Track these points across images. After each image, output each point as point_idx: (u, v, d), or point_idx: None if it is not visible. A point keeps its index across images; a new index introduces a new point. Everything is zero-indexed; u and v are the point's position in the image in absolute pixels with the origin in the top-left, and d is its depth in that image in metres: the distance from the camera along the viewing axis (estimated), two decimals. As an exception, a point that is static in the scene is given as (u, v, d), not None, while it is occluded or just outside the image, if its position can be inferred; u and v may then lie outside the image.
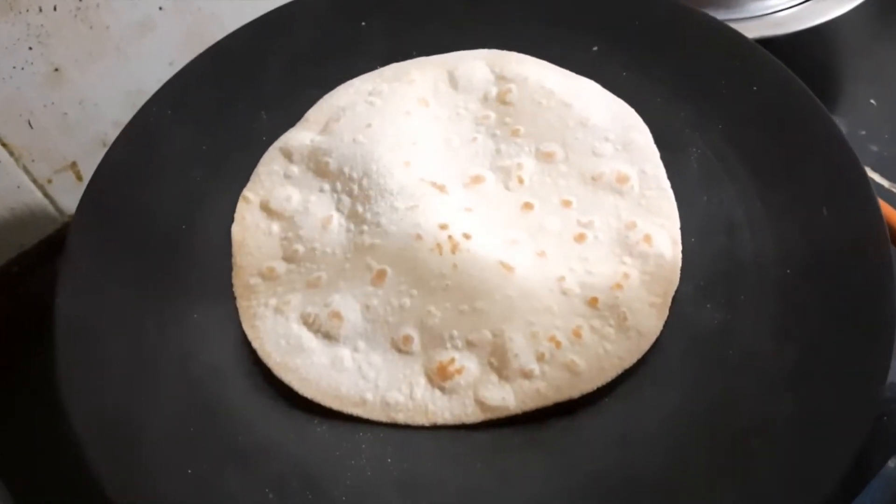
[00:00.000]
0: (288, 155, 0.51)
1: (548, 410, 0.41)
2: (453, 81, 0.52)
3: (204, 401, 0.42)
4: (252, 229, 0.48)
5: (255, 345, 0.44)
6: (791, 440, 0.39)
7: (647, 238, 0.45)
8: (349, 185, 0.48)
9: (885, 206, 0.46)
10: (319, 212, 0.48)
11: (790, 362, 0.41)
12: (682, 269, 0.45)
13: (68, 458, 0.39)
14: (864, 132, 0.65)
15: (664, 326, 0.43)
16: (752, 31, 0.54)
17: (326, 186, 0.49)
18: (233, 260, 0.47)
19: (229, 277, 0.47)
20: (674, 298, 0.44)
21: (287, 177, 0.50)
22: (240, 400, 0.43)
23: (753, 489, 0.38)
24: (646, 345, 0.43)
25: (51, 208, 0.66)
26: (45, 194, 0.65)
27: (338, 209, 0.48)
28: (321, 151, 0.50)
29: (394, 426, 0.42)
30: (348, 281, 0.45)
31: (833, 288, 0.43)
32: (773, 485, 0.38)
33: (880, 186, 0.62)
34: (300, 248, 0.47)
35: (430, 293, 0.44)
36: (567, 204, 0.48)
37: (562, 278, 0.44)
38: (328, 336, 0.44)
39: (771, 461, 0.39)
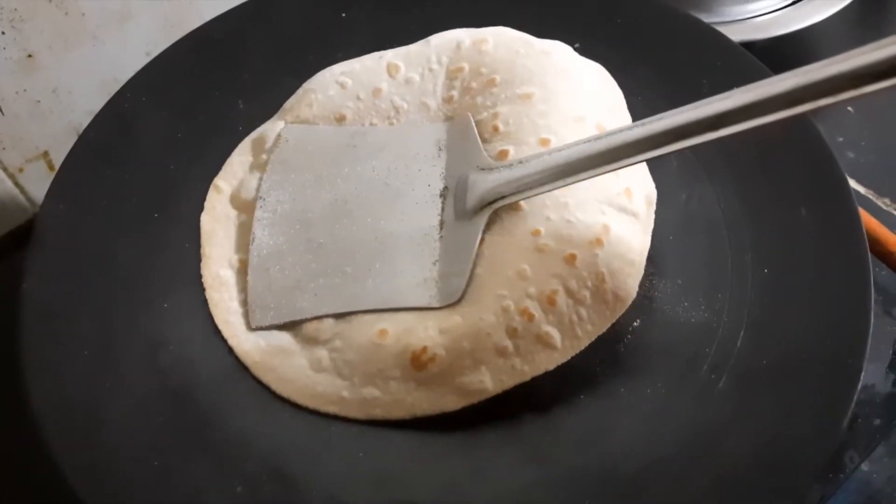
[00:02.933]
0: (261, 144, 0.50)
1: (524, 405, 0.41)
2: (426, 42, 0.51)
3: (173, 391, 0.42)
4: (222, 220, 0.48)
5: (231, 342, 0.43)
6: (766, 439, 0.39)
7: (628, 192, 0.44)
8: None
9: (862, 214, 0.46)
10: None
11: (766, 361, 0.42)
12: (660, 266, 0.45)
13: (33, 445, 0.39)
14: (840, 139, 0.66)
15: (640, 322, 0.43)
16: (733, 34, 0.54)
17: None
18: (202, 250, 0.47)
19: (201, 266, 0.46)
20: (652, 296, 0.44)
21: (256, 166, 0.49)
22: (210, 391, 0.42)
23: (728, 487, 0.38)
24: (621, 309, 0.42)
25: (21, 198, 0.64)
26: (16, 183, 0.63)
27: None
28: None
29: (366, 421, 0.41)
30: None
31: (810, 288, 0.43)
32: (748, 483, 0.38)
33: (857, 193, 0.63)
34: None
35: None
36: (545, 142, 0.45)
37: (537, 232, 0.42)
38: (307, 339, 0.43)
39: (746, 459, 0.39)
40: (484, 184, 0.43)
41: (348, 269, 0.44)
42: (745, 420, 0.40)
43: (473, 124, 0.46)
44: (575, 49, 0.51)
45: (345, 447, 0.40)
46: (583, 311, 0.41)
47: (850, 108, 0.68)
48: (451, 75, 0.49)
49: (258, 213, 0.46)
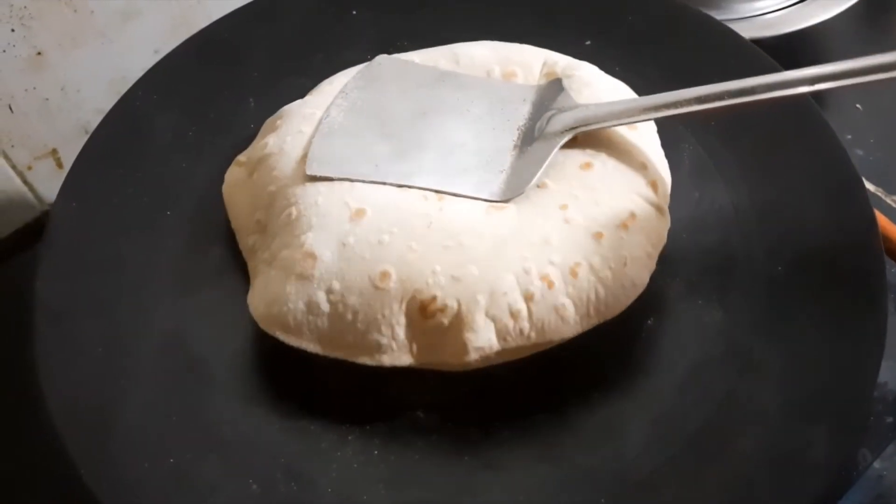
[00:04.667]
0: (277, 117, 0.49)
1: (537, 403, 0.41)
2: (454, 58, 0.51)
3: (186, 389, 0.42)
4: (239, 186, 0.47)
5: (248, 300, 0.43)
6: (779, 438, 0.39)
7: (654, 184, 0.44)
8: None
9: (879, 217, 0.47)
10: (295, 151, 0.46)
11: (781, 360, 0.41)
12: (673, 265, 0.45)
13: (45, 443, 0.39)
14: (849, 136, 0.66)
15: (653, 321, 0.43)
16: (740, 32, 0.54)
17: (306, 129, 0.47)
18: (232, 224, 0.46)
19: (213, 263, 0.46)
20: (665, 294, 0.44)
21: (270, 131, 0.48)
22: (223, 389, 0.42)
23: (741, 486, 0.38)
24: (633, 296, 0.41)
25: (30, 196, 0.65)
26: (25, 181, 0.64)
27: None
28: (308, 104, 0.49)
29: (381, 417, 0.41)
30: (321, 217, 0.42)
31: (824, 286, 0.43)
32: (761, 482, 0.38)
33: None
34: (272, 188, 0.45)
35: (412, 230, 0.42)
36: (587, 166, 0.45)
37: (564, 206, 0.42)
38: (302, 277, 0.41)
39: (759, 458, 0.39)
40: (570, 114, 0.45)
41: (413, 155, 0.45)
42: (759, 420, 0.40)
43: (566, 89, 0.47)
44: (586, 46, 0.51)
45: (359, 445, 0.40)
46: (601, 291, 0.40)
47: (858, 106, 0.68)
48: None
49: (336, 101, 0.48)
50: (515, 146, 0.45)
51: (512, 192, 0.43)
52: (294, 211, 0.43)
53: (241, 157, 0.48)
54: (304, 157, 0.45)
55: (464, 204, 0.43)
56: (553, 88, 0.47)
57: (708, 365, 0.42)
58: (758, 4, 0.68)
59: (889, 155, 0.65)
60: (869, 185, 0.62)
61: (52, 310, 0.43)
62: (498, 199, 0.43)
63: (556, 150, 0.44)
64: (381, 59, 0.50)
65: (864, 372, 0.40)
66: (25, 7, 0.56)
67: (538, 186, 0.44)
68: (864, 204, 0.45)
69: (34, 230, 0.65)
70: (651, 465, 0.39)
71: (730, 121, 0.49)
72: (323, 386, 0.42)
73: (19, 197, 0.64)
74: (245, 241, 0.46)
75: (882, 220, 0.50)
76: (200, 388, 0.42)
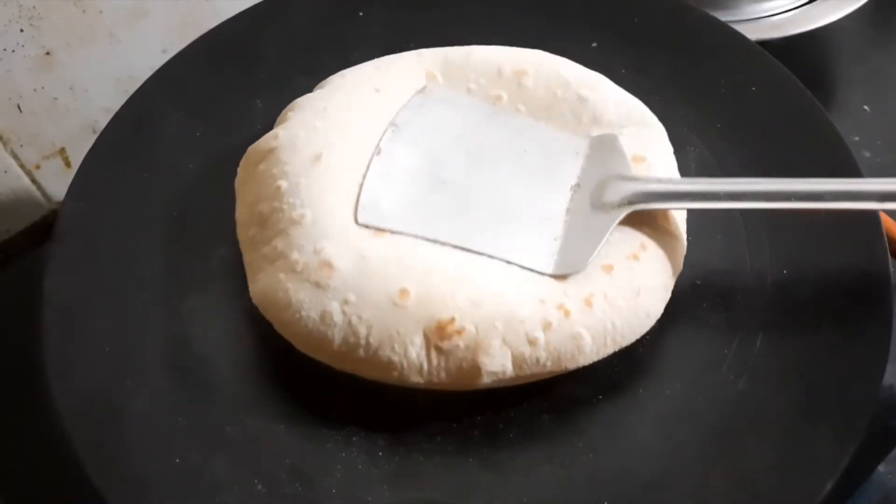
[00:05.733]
0: (289, 109, 0.49)
1: (543, 405, 0.41)
2: (465, 56, 0.50)
3: (193, 389, 0.42)
4: (247, 178, 0.46)
5: (255, 301, 0.42)
6: (786, 441, 0.39)
7: (665, 216, 0.44)
8: (348, 128, 0.46)
9: (883, 218, 0.46)
10: (309, 148, 0.45)
11: (786, 362, 0.41)
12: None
13: (55, 443, 0.39)
14: (857, 138, 0.65)
15: (658, 323, 0.43)
16: (748, 33, 0.54)
17: (320, 124, 0.46)
18: (235, 216, 0.46)
19: (221, 263, 0.46)
20: (671, 296, 0.44)
21: (281, 122, 0.48)
22: (229, 389, 0.42)
23: (747, 489, 0.38)
24: (648, 325, 0.42)
25: (38, 194, 0.65)
26: (33, 180, 0.64)
27: (328, 148, 0.45)
28: (321, 98, 0.48)
29: (386, 418, 0.41)
30: (340, 228, 0.42)
31: (830, 288, 0.43)
32: (768, 485, 0.38)
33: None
34: (283, 183, 0.44)
35: (435, 252, 0.42)
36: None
37: None
38: (317, 286, 0.41)
39: (766, 461, 0.39)
40: (629, 186, 0.43)
41: (469, 210, 0.44)
42: (764, 422, 0.40)
43: (620, 143, 0.45)
44: (593, 48, 0.51)
45: (363, 446, 0.40)
46: (618, 322, 0.41)
47: (865, 108, 0.68)
48: (489, 99, 0.49)
49: (388, 135, 0.46)
50: (569, 210, 0.44)
51: (566, 268, 0.42)
52: (308, 214, 0.42)
53: (251, 149, 0.47)
54: (319, 155, 0.44)
55: None
56: (606, 143, 0.46)
57: (713, 367, 0.42)
58: (765, 6, 0.67)
59: (896, 156, 0.65)
60: (876, 188, 0.62)
61: (60, 308, 0.43)
62: (551, 274, 0.42)
63: (612, 228, 0.42)
64: (432, 87, 0.49)
65: (869, 374, 0.40)
66: (34, 7, 0.56)
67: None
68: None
69: (42, 229, 0.65)
70: (656, 466, 0.39)
71: (735, 123, 0.49)
72: (328, 387, 0.42)
73: (27, 196, 0.64)
74: (245, 232, 0.45)
75: (887, 221, 0.50)
76: (207, 388, 0.42)
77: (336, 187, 0.43)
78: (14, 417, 0.54)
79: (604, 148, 0.46)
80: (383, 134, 0.46)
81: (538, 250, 0.43)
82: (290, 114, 0.48)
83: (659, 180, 0.44)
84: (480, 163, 0.46)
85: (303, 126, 0.46)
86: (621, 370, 0.42)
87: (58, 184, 0.65)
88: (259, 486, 0.39)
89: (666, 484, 0.39)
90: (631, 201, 0.42)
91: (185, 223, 0.48)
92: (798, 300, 0.43)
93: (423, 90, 0.49)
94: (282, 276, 0.41)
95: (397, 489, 0.39)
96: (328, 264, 0.41)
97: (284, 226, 0.43)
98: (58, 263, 0.45)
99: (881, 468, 0.48)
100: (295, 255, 0.41)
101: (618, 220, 0.42)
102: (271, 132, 0.47)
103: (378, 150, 0.45)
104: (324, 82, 0.50)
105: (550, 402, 0.41)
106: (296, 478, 0.39)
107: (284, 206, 0.43)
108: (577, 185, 0.45)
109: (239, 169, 0.47)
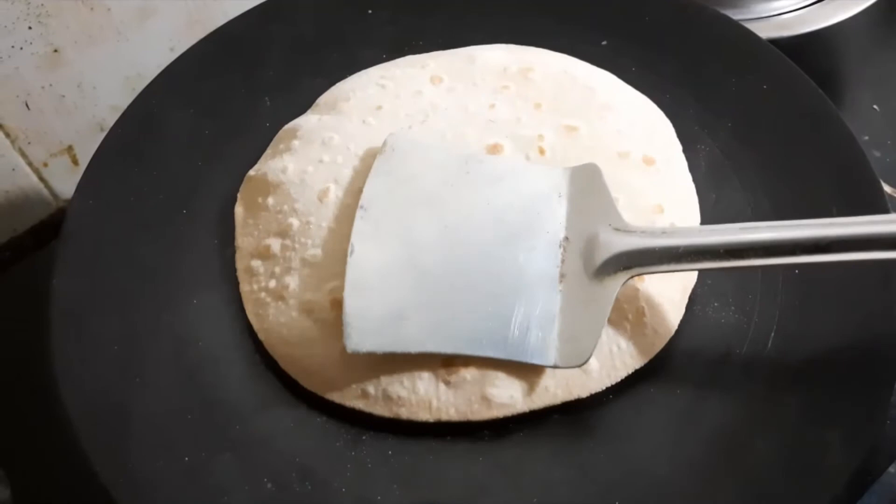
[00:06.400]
0: (293, 132, 0.49)
1: (551, 406, 0.41)
2: (470, 59, 0.50)
3: (201, 388, 0.42)
4: (252, 207, 0.47)
5: (260, 336, 0.43)
6: (795, 442, 0.39)
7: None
8: (353, 160, 0.46)
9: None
10: (316, 184, 0.45)
11: (797, 364, 0.41)
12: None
13: (63, 443, 0.39)
14: (866, 137, 0.65)
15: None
16: (757, 32, 0.54)
17: (326, 158, 0.46)
18: (235, 242, 0.46)
19: (229, 263, 0.46)
20: (681, 296, 0.44)
21: (287, 150, 0.48)
22: (238, 389, 0.42)
23: (755, 491, 0.38)
24: (660, 344, 0.41)
25: (45, 192, 0.65)
26: (41, 178, 0.64)
27: (336, 181, 0.45)
28: (327, 128, 0.48)
29: (394, 419, 0.41)
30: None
31: (841, 290, 0.43)
32: (776, 486, 0.38)
33: (883, 192, 0.62)
34: (295, 221, 0.44)
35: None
36: None
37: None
38: (329, 325, 0.42)
39: (774, 462, 0.38)
40: (621, 245, 0.40)
41: (457, 305, 0.41)
42: (775, 422, 0.40)
43: (603, 177, 0.43)
44: (602, 46, 0.51)
45: (373, 445, 0.40)
46: (622, 343, 0.41)
47: (875, 107, 0.67)
48: (497, 91, 0.49)
49: (358, 225, 0.42)
50: (563, 274, 0.41)
51: (572, 360, 0.39)
52: (320, 254, 0.43)
53: (252, 173, 0.48)
54: (327, 190, 0.45)
55: None
56: (587, 176, 0.43)
57: (723, 367, 0.42)
58: (775, 4, 0.67)
59: (907, 156, 0.64)
60: (886, 187, 0.62)
61: (67, 307, 0.43)
62: (561, 367, 0.39)
63: (612, 300, 0.39)
64: (392, 142, 0.45)
65: (881, 376, 0.40)
66: (42, 5, 0.56)
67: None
68: (882, 206, 0.45)
69: (49, 227, 0.65)
70: (666, 468, 0.39)
71: (746, 122, 0.49)
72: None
73: (35, 193, 0.64)
74: (244, 261, 0.45)
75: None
76: (215, 388, 0.42)
77: (346, 224, 0.43)
78: (22, 416, 0.54)
79: (586, 185, 0.43)
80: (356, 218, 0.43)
81: (536, 341, 0.40)
82: (295, 142, 0.48)
83: (653, 233, 0.40)
84: (458, 236, 0.43)
85: (310, 160, 0.46)
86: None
87: (65, 182, 0.65)
88: (269, 486, 0.39)
89: (675, 485, 0.38)
90: (625, 266, 0.39)
91: (192, 222, 0.48)
92: (809, 301, 0.43)
93: (385, 148, 0.45)
94: (294, 314, 0.42)
95: (407, 489, 0.39)
96: (339, 302, 0.41)
97: (296, 265, 0.43)
98: (66, 262, 0.45)
99: (892, 470, 0.48)
100: (308, 296, 0.42)
101: (616, 292, 0.39)
102: (278, 163, 0.47)
103: (351, 250, 0.41)
104: (323, 99, 0.50)
105: (560, 403, 0.41)
106: (305, 477, 0.39)
107: (297, 246, 0.44)
108: (566, 238, 0.42)
109: (239, 195, 0.48)
